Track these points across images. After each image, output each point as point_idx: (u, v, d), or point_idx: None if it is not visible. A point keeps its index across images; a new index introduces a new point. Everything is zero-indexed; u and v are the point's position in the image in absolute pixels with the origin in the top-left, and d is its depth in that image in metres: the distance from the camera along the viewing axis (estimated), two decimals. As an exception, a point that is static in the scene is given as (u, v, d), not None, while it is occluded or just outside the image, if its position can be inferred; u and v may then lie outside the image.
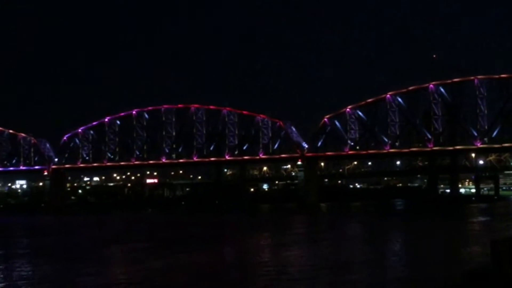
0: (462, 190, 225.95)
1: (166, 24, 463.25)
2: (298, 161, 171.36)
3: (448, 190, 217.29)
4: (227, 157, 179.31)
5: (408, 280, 46.60)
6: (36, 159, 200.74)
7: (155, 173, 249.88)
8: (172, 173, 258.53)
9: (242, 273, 52.96)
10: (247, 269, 55.35)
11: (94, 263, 60.96)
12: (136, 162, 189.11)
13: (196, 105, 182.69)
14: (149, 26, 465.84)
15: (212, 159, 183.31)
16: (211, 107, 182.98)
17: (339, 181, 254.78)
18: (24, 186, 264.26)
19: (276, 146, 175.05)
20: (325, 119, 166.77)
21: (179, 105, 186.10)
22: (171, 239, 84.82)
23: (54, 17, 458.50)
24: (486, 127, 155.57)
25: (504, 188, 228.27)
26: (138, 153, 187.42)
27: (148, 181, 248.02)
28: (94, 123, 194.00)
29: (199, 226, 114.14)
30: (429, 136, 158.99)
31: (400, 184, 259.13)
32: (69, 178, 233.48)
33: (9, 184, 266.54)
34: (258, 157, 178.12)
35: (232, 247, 74.02)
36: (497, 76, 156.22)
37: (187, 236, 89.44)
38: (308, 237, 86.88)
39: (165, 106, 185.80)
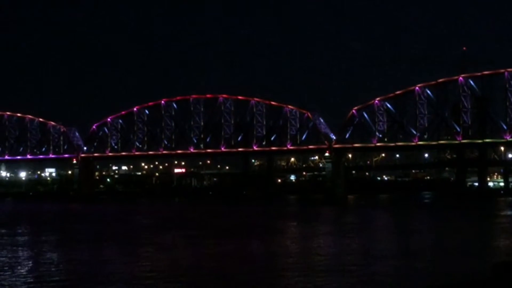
0: (490, 184, 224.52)
1: (196, 14, 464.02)
2: (325, 152, 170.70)
3: (476, 184, 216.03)
4: (254, 148, 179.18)
5: (437, 272, 46.69)
6: (65, 147, 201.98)
7: (183, 163, 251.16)
8: (200, 163, 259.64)
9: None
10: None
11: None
12: (164, 152, 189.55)
13: (224, 95, 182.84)
14: (179, 16, 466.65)
15: (240, 149, 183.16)
16: (239, 97, 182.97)
17: (367, 173, 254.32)
18: (53, 174, 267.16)
19: (304, 137, 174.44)
20: (354, 111, 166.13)
21: (208, 95, 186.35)
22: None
23: (83, 4, 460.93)
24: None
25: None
26: (166, 142, 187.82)
27: (176, 170, 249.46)
28: (123, 112, 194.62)
29: (236, 216, 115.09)
30: (458, 129, 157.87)
31: (428, 177, 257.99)
32: (98, 166, 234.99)
33: (39, 172, 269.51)
34: (285, 148, 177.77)
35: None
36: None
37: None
38: (340, 228, 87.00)
39: (193, 96, 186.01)
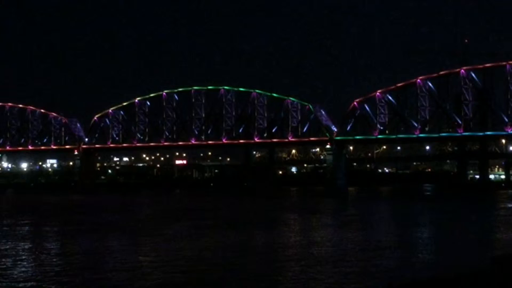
0: (491, 176, 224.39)
1: (197, 7, 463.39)
2: (327, 144, 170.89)
3: (477, 176, 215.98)
4: (256, 140, 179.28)
5: (435, 265, 46.83)
6: (66, 138, 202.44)
7: (184, 154, 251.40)
8: (201, 154, 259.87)
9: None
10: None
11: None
12: (166, 143, 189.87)
13: (225, 87, 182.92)
14: (179, 8, 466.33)
15: (241, 141, 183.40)
16: (241, 89, 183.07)
17: (368, 165, 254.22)
18: (55, 165, 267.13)
19: (305, 129, 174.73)
20: (355, 103, 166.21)
21: (209, 87, 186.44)
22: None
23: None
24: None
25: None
26: (167, 134, 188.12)
27: (177, 162, 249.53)
28: (124, 103, 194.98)
29: (237, 207, 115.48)
30: (459, 121, 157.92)
31: (429, 169, 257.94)
32: (99, 158, 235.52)
33: (40, 163, 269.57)
34: (287, 140, 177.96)
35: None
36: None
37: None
38: (341, 220, 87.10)
39: (195, 87, 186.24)
